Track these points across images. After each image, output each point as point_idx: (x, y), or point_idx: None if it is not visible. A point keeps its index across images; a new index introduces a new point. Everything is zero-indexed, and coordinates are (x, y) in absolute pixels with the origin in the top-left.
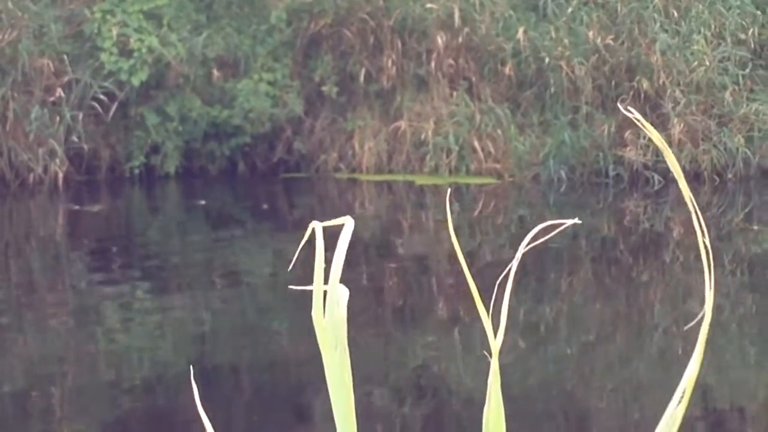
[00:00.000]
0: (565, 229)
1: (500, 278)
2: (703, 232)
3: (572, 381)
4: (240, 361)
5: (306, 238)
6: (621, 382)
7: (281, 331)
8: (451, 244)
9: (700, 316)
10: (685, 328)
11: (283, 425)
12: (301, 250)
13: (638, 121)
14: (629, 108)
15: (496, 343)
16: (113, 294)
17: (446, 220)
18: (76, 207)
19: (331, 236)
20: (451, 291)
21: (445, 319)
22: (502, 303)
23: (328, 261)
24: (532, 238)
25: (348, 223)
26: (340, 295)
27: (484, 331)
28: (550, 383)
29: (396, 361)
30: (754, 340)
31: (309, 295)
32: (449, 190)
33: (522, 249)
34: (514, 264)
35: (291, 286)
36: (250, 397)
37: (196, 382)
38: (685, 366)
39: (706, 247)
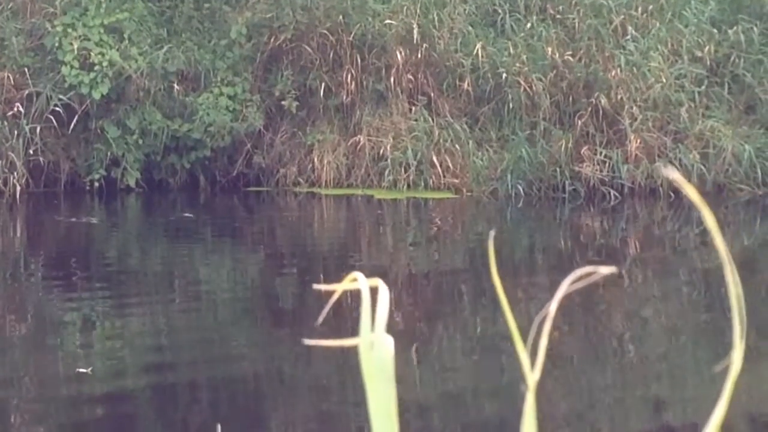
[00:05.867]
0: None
1: (538, 317)
2: (735, 282)
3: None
4: (198, 375)
5: (342, 287)
6: (579, 399)
7: (240, 345)
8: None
9: (725, 363)
10: (717, 369)
11: None
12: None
13: (677, 182)
14: (667, 168)
15: (533, 377)
16: (77, 304)
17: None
18: (73, 219)
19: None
20: (409, 307)
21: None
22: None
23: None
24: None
25: (382, 287)
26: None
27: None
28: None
29: (351, 376)
30: (707, 350)
31: (263, 309)
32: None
33: (559, 295)
34: (553, 306)
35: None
36: (208, 409)
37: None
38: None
39: (738, 297)
